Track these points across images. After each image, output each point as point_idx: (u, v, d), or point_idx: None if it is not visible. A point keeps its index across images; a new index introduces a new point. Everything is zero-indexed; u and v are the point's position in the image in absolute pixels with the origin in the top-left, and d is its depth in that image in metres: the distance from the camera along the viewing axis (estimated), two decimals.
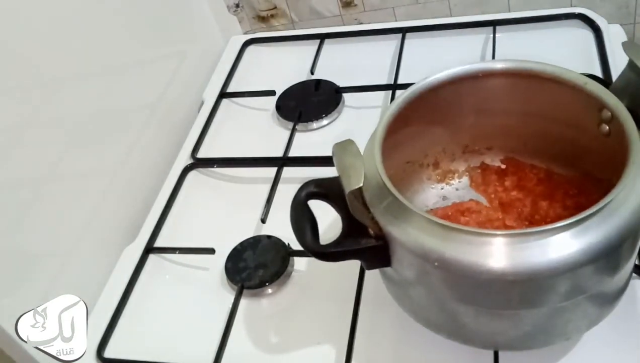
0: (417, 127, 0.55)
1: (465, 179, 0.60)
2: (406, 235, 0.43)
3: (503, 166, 0.59)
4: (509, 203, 0.56)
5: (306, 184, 0.50)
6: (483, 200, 0.58)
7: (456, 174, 0.60)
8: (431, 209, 0.58)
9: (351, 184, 0.44)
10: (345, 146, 0.47)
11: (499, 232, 0.42)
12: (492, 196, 0.57)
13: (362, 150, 0.48)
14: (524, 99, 0.54)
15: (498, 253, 0.40)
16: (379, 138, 0.49)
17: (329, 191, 0.48)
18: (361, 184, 0.44)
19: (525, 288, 0.42)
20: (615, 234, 0.40)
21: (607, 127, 0.47)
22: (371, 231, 0.46)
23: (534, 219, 0.54)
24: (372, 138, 0.50)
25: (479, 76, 0.53)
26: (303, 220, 0.48)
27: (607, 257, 0.41)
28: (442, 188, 0.60)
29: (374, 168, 0.46)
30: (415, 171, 0.59)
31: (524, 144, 0.57)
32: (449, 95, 0.54)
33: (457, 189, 0.59)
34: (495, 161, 0.59)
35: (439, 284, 0.45)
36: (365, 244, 0.46)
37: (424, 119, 0.55)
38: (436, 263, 0.42)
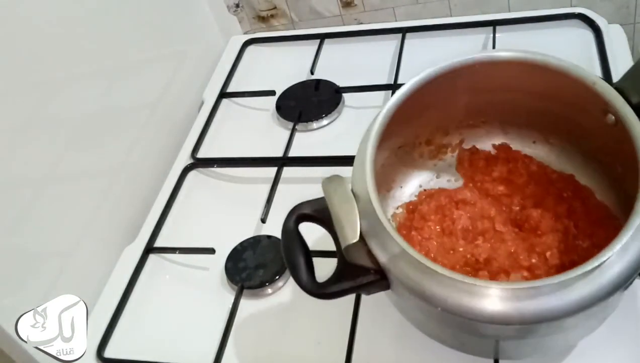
0: (410, 117, 0.54)
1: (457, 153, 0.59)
2: (406, 277, 0.42)
3: (494, 152, 0.57)
4: (495, 197, 0.55)
5: (296, 208, 0.48)
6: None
7: (449, 149, 0.59)
8: (424, 189, 0.57)
9: (347, 238, 0.43)
10: (335, 186, 0.45)
11: (492, 284, 0.42)
12: (479, 184, 0.56)
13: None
14: (518, 80, 0.52)
15: (489, 302, 0.40)
16: (369, 165, 0.46)
17: (321, 213, 0.46)
18: (357, 239, 0.42)
19: (525, 330, 0.42)
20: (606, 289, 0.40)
21: (613, 118, 0.46)
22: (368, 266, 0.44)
23: (524, 229, 0.53)
24: (362, 162, 0.47)
25: (474, 66, 0.52)
26: (295, 252, 0.46)
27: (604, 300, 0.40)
28: (435, 164, 0.59)
29: (368, 198, 0.44)
30: (407, 153, 0.58)
31: (522, 117, 0.55)
32: (442, 86, 0.52)
33: (450, 166, 0.58)
34: (490, 136, 0.57)
35: (438, 319, 0.44)
36: (362, 281, 0.44)
37: (417, 109, 0.53)
38: (439, 309, 0.41)
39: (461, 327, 0.43)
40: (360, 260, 0.44)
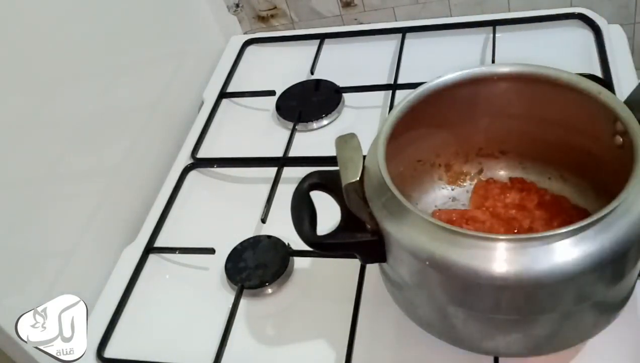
0: (430, 126, 0.55)
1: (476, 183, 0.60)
2: (400, 232, 0.43)
3: (510, 184, 0.58)
4: (506, 219, 0.55)
5: (310, 175, 0.50)
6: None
7: (468, 177, 0.59)
8: (438, 209, 0.58)
9: (348, 177, 0.45)
10: (346, 139, 0.48)
11: (494, 236, 0.42)
12: (491, 209, 0.56)
13: (364, 147, 0.48)
14: (540, 105, 0.53)
15: (490, 256, 0.40)
16: (385, 134, 0.49)
17: (331, 183, 0.48)
18: (358, 178, 0.44)
19: (515, 295, 0.42)
20: (617, 243, 0.40)
21: (621, 139, 0.47)
22: (368, 226, 0.46)
23: None
24: (378, 133, 0.50)
25: (494, 78, 0.53)
26: (303, 210, 0.49)
27: (610, 265, 0.41)
28: (452, 189, 0.59)
29: (376, 163, 0.47)
30: (426, 171, 0.59)
31: (539, 150, 0.57)
32: (462, 96, 0.53)
33: (467, 191, 0.59)
34: (508, 170, 0.59)
35: (429, 283, 0.45)
36: (360, 238, 0.47)
37: (437, 119, 0.55)
38: (427, 262, 0.42)
39: (462, 297, 0.43)
40: (359, 209, 0.46)
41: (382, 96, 0.78)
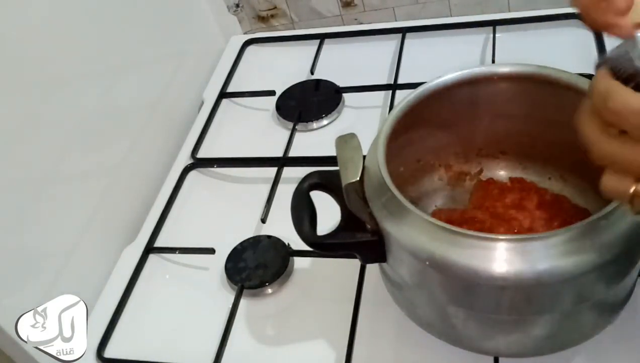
0: (430, 126, 0.55)
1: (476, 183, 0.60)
2: (400, 232, 0.44)
3: (509, 184, 0.58)
4: (506, 219, 0.55)
5: (310, 175, 0.51)
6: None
7: (468, 177, 0.60)
8: (438, 209, 0.58)
9: (348, 177, 0.45)
10: (346, 139, 0.48)
11: (494, 236, 0.42)
12: (491, 210, 0.56)
13: (364, 147, 0.48)
14: (540, 105, 0.53)
15: (490, 256, 0.40)
16: (385, 134, 0.49)
17: (331, 183, 0.48)
18: (358, 178, 0.44)
19: (515, 295, 0.41)
20: (617, 243, 0.40)
21: None
22: (368, 226, 0.46)
23: None
24: (378, 133, 0.50)
25: (494, 78, 0.53)
26: (303, 209, 0.49)
27: (610, 265, 0.40)
28: (452, 189, 0.59)
29: (376, 163, 0.47)
30: (426, 171, 0.59)
31: (539, 150, 0.57)
32: (463, 96, 0.53)
33: (467, 191, 0.59)
34: (509, 170, 0.59)
35: (429, 283, 0.45)
36: (360, 238, 0.47)
37: (437, 119, 0.55)
38: (427, 262, 0.42)
39: (462, 297, 0.43)
40: (359, 209, 0.46)
41: (382, 96, 0.78)
